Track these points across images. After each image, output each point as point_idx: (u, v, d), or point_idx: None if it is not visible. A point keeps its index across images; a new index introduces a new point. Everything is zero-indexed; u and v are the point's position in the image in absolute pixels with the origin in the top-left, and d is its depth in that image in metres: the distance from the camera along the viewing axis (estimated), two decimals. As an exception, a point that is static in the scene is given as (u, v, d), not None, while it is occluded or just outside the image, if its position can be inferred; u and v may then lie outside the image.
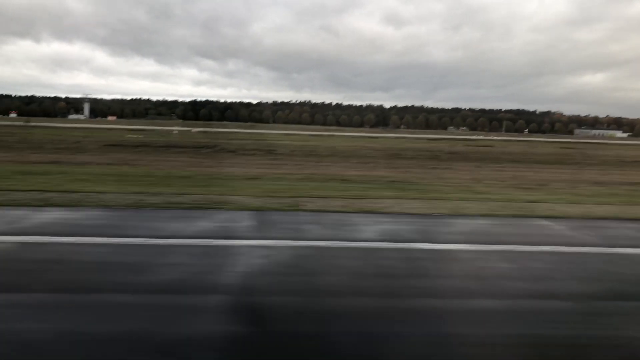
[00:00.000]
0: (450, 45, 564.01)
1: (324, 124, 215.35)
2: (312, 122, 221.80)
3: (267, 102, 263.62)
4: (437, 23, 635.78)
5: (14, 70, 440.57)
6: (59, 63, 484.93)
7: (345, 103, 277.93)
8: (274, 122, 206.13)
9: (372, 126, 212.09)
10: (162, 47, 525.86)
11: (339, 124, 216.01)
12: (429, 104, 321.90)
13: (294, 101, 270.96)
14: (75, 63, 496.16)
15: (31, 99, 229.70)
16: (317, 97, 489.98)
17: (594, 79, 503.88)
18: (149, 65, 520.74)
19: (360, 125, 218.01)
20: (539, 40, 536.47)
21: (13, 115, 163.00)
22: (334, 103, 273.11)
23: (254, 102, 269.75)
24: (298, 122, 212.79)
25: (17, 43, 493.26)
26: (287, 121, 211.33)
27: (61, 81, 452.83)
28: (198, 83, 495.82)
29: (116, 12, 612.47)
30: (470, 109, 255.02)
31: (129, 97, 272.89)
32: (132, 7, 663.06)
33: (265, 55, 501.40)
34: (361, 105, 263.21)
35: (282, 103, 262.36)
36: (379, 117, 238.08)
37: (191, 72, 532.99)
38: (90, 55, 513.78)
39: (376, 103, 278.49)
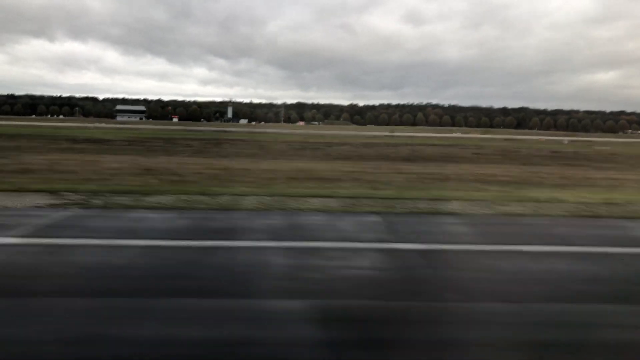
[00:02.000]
0: (466, 44, 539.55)
1: (452, 125, 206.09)
2: (440, 123, 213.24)
3: (361, 105, 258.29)
4: (457, 21, 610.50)
5: (21, 70, 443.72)
6: (68, 62, 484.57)
7: (436, 103, 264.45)
8: (389, 124, 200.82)
9: (514, 127, 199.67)
10: (176, 46, 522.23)
11: (467, 125, 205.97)
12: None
13: (388, 103, 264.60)
14: (84, 62, 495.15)
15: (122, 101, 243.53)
16: (323, 96, 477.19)
17: (605, 77, 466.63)
18: (158, 64, 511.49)
19: (490, 126, 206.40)
20: (556, 38, 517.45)
21: (175, 119, 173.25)
22: (424, 102, 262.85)
23: (323, 102, 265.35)
24: (412, 124, 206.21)
25: (30, 42, 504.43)
26: (401, 123, 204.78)
27: (67, 80, 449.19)
28: (205, 82, 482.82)
29: (134, 11, 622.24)
30: (574, 110, 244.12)
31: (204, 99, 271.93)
32: (151, 6, 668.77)
33: (278, 53, 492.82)
34: (455, 106, 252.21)
35: (381, 106, 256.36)
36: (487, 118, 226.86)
37: (200, 71, 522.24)
38: (100, 54, 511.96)
39: (444, 102, 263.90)
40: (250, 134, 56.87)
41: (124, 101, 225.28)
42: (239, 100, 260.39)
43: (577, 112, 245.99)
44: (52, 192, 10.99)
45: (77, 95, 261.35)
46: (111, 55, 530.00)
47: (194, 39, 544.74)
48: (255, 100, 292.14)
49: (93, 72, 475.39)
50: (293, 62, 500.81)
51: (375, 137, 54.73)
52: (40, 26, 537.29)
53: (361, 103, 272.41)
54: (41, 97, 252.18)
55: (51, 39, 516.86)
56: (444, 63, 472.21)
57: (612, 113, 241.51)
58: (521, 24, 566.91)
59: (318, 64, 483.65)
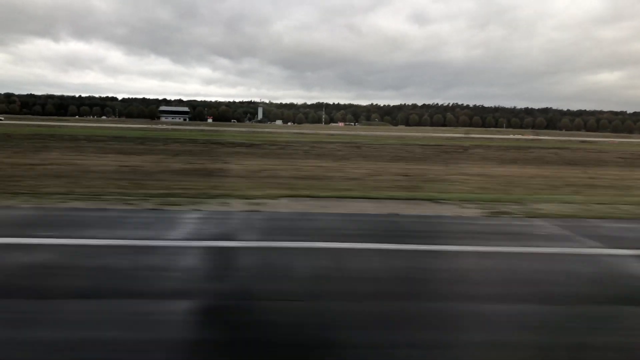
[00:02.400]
0: (471, 44, 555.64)
1: (482, 125, 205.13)
2: (471, 124, 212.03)
3: (414, 105, 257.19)
4: (464, 21, 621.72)
5: (24, 69, 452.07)
6: (72, 62, 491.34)
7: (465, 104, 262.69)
8: (419, 124, 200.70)
9: (543, 128, 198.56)
10: (180, 46, 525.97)
11: (497, 125, 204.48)
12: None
13: (413, 103, 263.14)
14: (87, 62, 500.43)
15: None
16: (326, 96, 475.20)
17: (610, 77, 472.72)
18: (162, 64, 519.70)
19: (520, 126, 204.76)
20: (562, 39, 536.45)
21: (210, 120, 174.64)
22: (450, 103, 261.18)
23: (358, 103, 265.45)
24: (443, 124, 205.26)
25: (34, 42, 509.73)
26: (432, 124, 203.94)
27: (70, 80, 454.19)
28: (208, 82, 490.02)
29: (140, 11, 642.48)
30: (598, 111, 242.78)
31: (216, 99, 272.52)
32: (158, 6, 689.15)
33: (282, 53, 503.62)
34: (481, 106, 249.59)
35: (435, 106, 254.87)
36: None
37: (203, 70, 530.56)
38: (104, 54, 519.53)
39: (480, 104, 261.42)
40: (331, 136, 57.55)
41: (144, 101, 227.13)
42: (241, 99, 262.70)
43: (601, 112, 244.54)
44: (410, 199, 11.52)
45: (85, 94, 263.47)
46: (115, 55, 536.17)
47: (199, 38, 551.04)
48: (276, 101, 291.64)
49: (96, 71, 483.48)
50: (297, 62, 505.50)
51: (458, 138, 55.16)
52: (45, 26, 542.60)
53: (364, 102, 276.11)
54: (61, 97, 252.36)
55: (56, 38, 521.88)
56: (449, 63, 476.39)
57: (635, 114, 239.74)
58: (527, 24, 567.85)
59: (322, 64, 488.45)
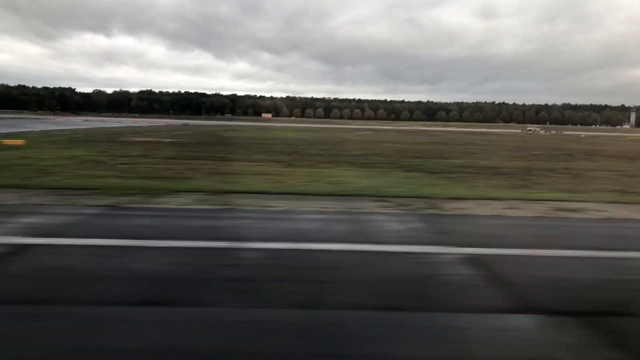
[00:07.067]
0: (528, 38, 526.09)
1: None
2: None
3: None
4: (532, 15, 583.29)
5: (60, 64, 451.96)
6: (110, 57, 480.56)
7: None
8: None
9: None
10: (230, 41, 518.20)
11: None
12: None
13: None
14: (125, 56, 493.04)
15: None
16: (357, 90, 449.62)
17: None
18: (203, 59, 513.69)
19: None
20: (624, 32, 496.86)
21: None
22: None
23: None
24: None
25: (82, 37, 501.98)
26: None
27: (100, 75, 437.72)
28: (238, 77, 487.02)
29: (201, 6, 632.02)
30: None
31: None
32: (222, 1, 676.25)
33: (329, 48, 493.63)
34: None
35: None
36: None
37: (241, 65, 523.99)
38: (146, 48, 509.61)
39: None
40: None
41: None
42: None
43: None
44: None
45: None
46: (156, 50, 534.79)
47: (252, 34, 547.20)
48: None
49: (130, 66, 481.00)
50: (341, 57, 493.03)
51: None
52: (101, 21, 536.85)
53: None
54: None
55: (108, 34, 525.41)
56: (493, 58, 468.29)
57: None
58: (596, 17, 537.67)
59: (366, 59, 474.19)
